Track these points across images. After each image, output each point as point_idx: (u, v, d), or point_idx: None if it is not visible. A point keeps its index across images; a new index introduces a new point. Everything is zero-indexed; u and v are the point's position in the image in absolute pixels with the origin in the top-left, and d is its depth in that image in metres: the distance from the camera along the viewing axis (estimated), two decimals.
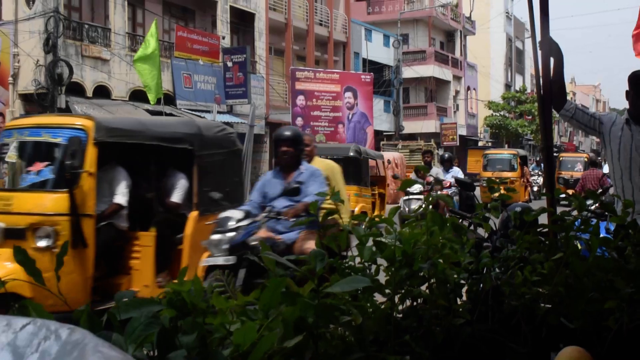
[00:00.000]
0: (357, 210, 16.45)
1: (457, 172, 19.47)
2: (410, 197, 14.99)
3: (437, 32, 50.80)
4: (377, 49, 40.80)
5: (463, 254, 2.23)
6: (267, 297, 1.53)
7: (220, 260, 5.77)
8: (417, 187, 13.12)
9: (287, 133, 6.39)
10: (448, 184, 14.55)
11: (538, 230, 2.52)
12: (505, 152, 29.47)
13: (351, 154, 17.64)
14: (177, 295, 1.44)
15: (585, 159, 28.23)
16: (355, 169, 17.52)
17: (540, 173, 32.68)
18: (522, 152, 29.97)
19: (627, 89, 4.39)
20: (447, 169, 16.11)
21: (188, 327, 1.37)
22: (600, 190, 11.87)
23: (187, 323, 1.38)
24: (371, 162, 20.05)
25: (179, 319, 1.40)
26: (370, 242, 2.03)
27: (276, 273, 1.74)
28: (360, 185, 17.72)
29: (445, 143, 45.16)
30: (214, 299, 1.56)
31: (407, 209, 14.64)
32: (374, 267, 2.06)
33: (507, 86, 61.41)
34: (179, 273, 1.66)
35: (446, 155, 16.76)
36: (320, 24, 36.24)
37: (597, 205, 6.24)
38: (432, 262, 2.04)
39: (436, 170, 15.84)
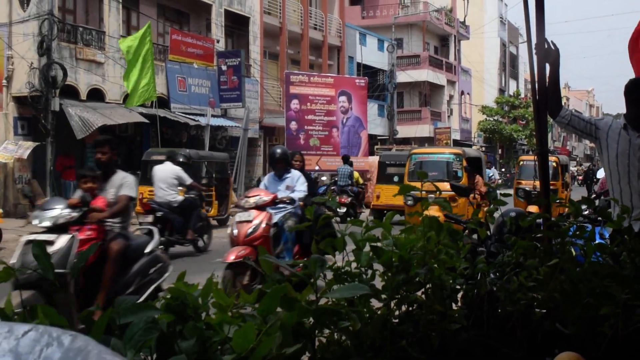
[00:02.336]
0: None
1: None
2: None
3: (431, 36, 50.89)
4: (372, 53, 40.84)
5: (459, 259, 2.24)
6: (266, 303, 1.53)
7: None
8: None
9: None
10: None
11: (533, 235, 2.53)
12: (441, 152, 19.68)
13: (180, 159, 17.16)
14: (175, 300, 1.44)
15: (555, 163, 21.67)
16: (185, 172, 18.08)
17: (498, 181, 30.68)
18: (472, 152, 20.81)
19: (623, 94, 4.40)
20: None
21: (188, 332, 1.37)
22: (594, 196, 11.91)
23: (187, 328, 1.38)
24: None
25: (178, 324, 1.40)
26: (367, 247, 2.04)
27: (273, 277, 1.74)
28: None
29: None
30: (215, 295, 1.56)
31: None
32: (370, 272, 2.07)
33: (501, 91, 61.54)
34: (178, 276, 1.66)
35: None
36: (315, 28, 36.26)
37: (591, 210, 6.22)
38: (428, 267, 2.05)
39: None
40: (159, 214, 13.08)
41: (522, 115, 53.45)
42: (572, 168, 59.81)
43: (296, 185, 9.09)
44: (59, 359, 0.92)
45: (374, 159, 30.29)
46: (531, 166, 22.48)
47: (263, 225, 8.28)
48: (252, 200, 8.50)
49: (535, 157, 30.82)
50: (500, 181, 38.35)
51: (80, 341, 0.95)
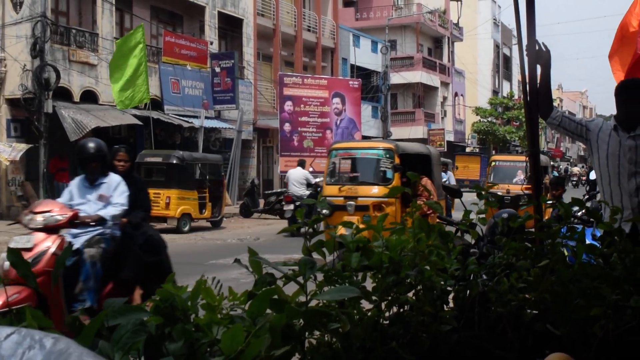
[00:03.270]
0: (178, 211, 19.01)
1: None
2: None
3: (425, 38, 50.96)
4: (365, 55, 40.87)
5: (450, 260, 2.24)
6: (255, 305, 1.53)
7: None
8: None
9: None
10: None
11: (525, 237, 2.53)
12: (368, 147, 14.91)
13: (173, 161, 19.19)
14: (164, 302, 1.44)
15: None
16: (179, 174, 19.39)
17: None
18: (416, 147, 15.40)
19: (614, 95, 4.42)
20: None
21: (177, 334, 1.37)
22: (586, 197, 11.94)
23: (176, 330, 1.37)
24: None
25: (166, 326, 1.39)
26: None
27: (263, 279, 1.74)
28: (182, 189, 19.40)
29: None
30: (204, 294, 1.55)
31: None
32: (360, 274, 2.07)
33: (495, 92, 61.66)
34: (167, 278, 1.66)
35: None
36: (309, 30, 36.27)
37: (583, 211, 6.23)
38: (419, 269, 2.05)
39: None
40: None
41: (515, 117, 53.56)
42: (576, 168, 59.74)
43: (113, 195, 6.53)
44: None
45: None
46: (506, 167, 20.25)
47: (49, 254, 5.72)
48: (38, 219, 5.97)
49: (512, 157, 23.02)
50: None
51: (62, 344, 0.95)
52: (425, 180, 12.33)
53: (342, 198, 13.06)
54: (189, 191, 19.54)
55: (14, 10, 21.22)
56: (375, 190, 13.14)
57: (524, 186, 13.93)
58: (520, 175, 19.33)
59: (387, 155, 13.47)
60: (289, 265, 1.86)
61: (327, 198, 12.04)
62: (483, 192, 2.54)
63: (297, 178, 19.41)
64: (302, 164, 20.41)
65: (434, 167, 14.30)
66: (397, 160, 13.37)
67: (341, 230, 2.29)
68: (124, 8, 25.53)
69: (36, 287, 1.27)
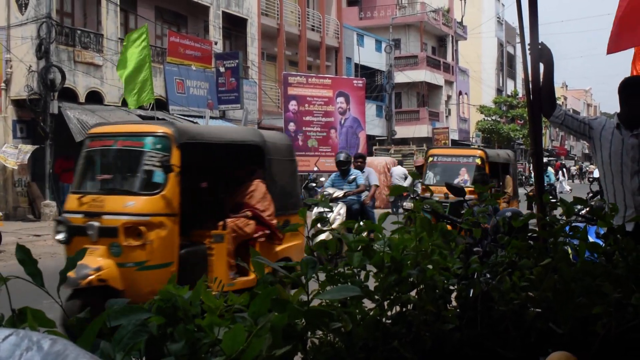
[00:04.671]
0: None
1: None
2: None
3: (428, 37, 50.89)
4: (369, 54, 40.84)
5: (452, 259, 2.25)
6: (257, 304, 1.53)
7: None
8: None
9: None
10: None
11: (528, 235, 2.54)
12: (131, 132, 8.06)
13: None
14: (166, 303, 1.45)
15: (479, 160, 14.95)
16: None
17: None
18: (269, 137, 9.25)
19: (617, 93, 4.42)
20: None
21: (178, 334, 1.37)
22: (590, 195, 11.88)
23: (177, 330, 1.38)
24: None
25: (168, 326, 1.40)
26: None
27: (265, 279, 1.75)
28: None
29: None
30: (204, 297, 1.56)
31: None
32: (363, 273, 2.07)
33: (499, 91, 61.54)
34: (169, 279, 1.67)
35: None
36: (313, 29, 36.26)
37: (587, 210, 6.22)
38: (421, 268, 2.05)
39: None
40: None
41: (519, 115, 53.46)
42: (592, 166, 59.39)
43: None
44: None
45: (372, 160, 30.38)
46: (447, 164, 15.52)
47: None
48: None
49: (454, 151, 17.86)
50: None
51: (60, 345, 0.95)
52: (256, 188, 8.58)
53: (81, 215, 7.29)
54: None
55: (20, 11, 21.27)
56: (132, 203, 7.44)
57: (468, 189, 10.61)
58: (464, 175, 14.65)
59: (159, 147, 7.52)
60: (291, 265, 1.87)
61: (66, 215, 7.51)
62: (413, 197, 2.54)
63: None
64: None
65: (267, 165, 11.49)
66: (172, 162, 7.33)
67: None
68: (129, 9, 25.56)
69: (41, 284, 1.27)
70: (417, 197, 13.48)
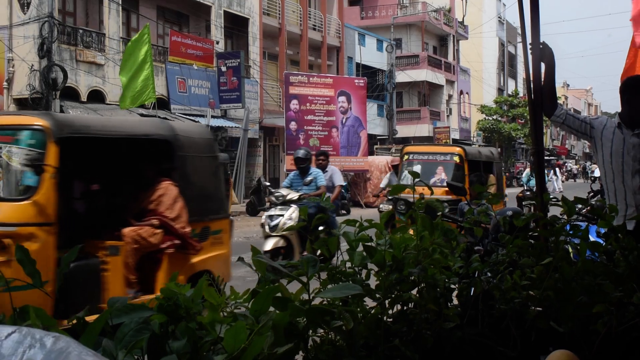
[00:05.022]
0: None
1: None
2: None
3: (430, 36, 50.88)
4: (371, 54, 40.84)
5: (453, 258, 2.25)
6: (258, 303, 1.54)
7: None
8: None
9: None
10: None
11: (529, 234, 2.54)
12: (4, 124, 6.34)
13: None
14: (168, 301, 1.45)
15: (458, 158, 13.83)
16: None
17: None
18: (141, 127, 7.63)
19: (619, 93, 4.42)
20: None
21: (180, 332, 1.38)
22: (591, 194, 11.86)
23: (179, 328, 1.38)
24: None
25: (170, 325, 1.40)
26: (360, 247, 2.04)
27: (267, 278, 1.75)
28: None
29: None
30: (206, 294, 1.56)
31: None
32: (364, 271, 2.08)
33: (500, 90, 61.51)
34: (171, 277, 1.67)
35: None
36: (314, 29, 36.26)
37: (587, 209, 6.21)
38: (422, 266, 2.06)
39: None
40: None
41: (520, 114, 53.42)
42: (594, 166, 59.27)
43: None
44: None
45: (374, 159, 30.41)
46: (424, 163, 14.32)
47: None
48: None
49: (432, 148, 16.58)
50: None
51: (62, 342, 0.96)
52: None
53: None
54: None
55: (22, 10, 21.29)
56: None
57: (446, 189, 10.43)
58: (441, 174, 13.66)
59: (31, 143, 6.25)
60: (293, 264, 1.87)
61: None
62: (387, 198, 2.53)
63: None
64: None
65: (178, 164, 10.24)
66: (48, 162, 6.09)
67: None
68: (131, 8, 25.57)
69: (40, 285, 1.28)
70: (391, 198, 12.69)
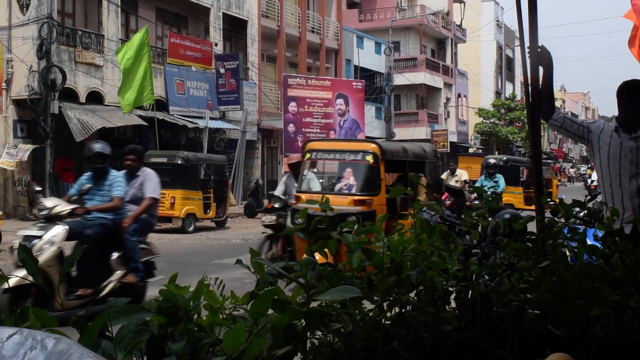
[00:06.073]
0: (183, 211, 18.96)
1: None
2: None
3: (428, 39, 50.90)
4: (369, 56, 40.86)
5: (451, 261, 2.25)
6: (257, 305, 1.54)
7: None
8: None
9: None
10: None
11: (527, 237, 2.54)
12: None
13: (178, 161, 19.16)
14: (167, 303, 1.46)
15: (372, 158, 10.63)
16: (184, 174, 19.40)
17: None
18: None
19: (615, 97, 4.43)
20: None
21: (179, 334, 1.38)
22: (588, 197, 11.89)
23: (178, 330, 1.39)
24: None
25: (169, 326, 1.41)
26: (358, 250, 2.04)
27: (265, 280, 1.76)
28: (187, 189, 19.38)
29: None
30: (206, 296, 1.57)
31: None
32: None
33: (498, 93, 61.55)
34: (170, 279, 1.67)
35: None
36: (313, 31, 36.27)
37: (585, 212, 6.23)
38: (420, 269, 2.06)
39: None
40: None
41: (518, 118, 53.48)
42: (590, 170, 59.30)
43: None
44: None
45: None
46: (331, 163, 11.54)
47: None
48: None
49: (338, 144, 11.84)
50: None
51: (63, 344, 0.96)
52: None
53: None
54: (193, 191, 19.53)
55: (21, 11, 21.29)
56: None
57: (355, 198, 9.39)
58: (349, 178, 10.76)
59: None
60: (291, 266, 1.88)
61: None
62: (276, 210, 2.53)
63: None
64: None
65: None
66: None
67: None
68: (130, 9, 25.58)
69: (43, 285, 1.28)
70: (279, 208, 10.36)
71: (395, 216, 5.89)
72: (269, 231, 10.48)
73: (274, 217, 10.40)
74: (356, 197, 9.55)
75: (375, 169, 10.34)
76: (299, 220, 8.70)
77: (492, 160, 15.65)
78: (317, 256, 2.60)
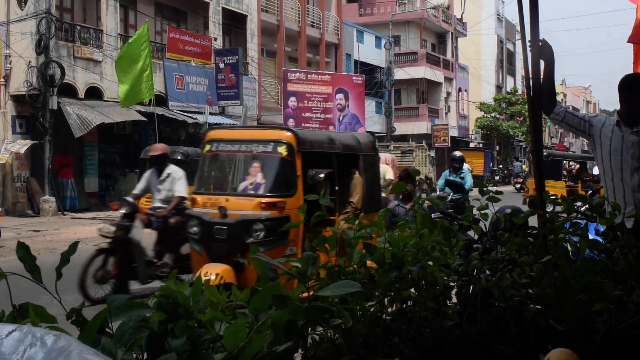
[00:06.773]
0: None
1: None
2: None
3: (428, 33, 50.86)
4: (369, 51, 40.83)
5: (452, 256, 2.25)
6: (258, 301, 1.53)
7: None
8: None
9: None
10: None
11: (528, 232, 2.54)
12: None
13: (178, 156, 18.63)
14: (167, 299, 1.45)
15: (285, 149, 8.13)
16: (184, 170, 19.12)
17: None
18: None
19: (617, 91, 4.42)
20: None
21: (179, 330, 1.37)
22: (590, 192, 11.89)
23: (178, 326, 1.38)
24: None
25: (169, 322, 1.40)
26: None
27: (266, 276, 1.75)
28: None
29: (436, 144, 45.26)
30: (206, 291, 1.56)
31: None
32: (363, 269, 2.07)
33: (498, 88, 61.53)
34: (170, 275, 1.67)
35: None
36: (312, 26, 36.23)
37: (586, 207, 6.21)
38: (422, 264, 2.05)
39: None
40: None
41: (519, 112, 53.48)
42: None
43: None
44: (41, 358, 0.93)
45: None
46: (234, 156, 8.92)
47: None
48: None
49: (245, 132, 8.92)
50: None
51: (63, 341, 0.95)
52: None
53: None
54: (193, 187, 19.50)
55: (19, 7, 21.26)
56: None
57: (262, 200, 7.76)
58: (256, 175, 8.50)
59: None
60: (292, 261, 1.87)
61: None
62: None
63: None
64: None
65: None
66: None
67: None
68: (128, 4, 25.54)
69: (40, 281, 1.29)
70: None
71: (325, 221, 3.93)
72: (104, 244, 8.78)
73: (113, 229, 8.77)
74: (264, 200, 7.70)
75: (289, 163, 8.14)
76: (195, 229, 7.69)
77: (457, 153, 14.38)
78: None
